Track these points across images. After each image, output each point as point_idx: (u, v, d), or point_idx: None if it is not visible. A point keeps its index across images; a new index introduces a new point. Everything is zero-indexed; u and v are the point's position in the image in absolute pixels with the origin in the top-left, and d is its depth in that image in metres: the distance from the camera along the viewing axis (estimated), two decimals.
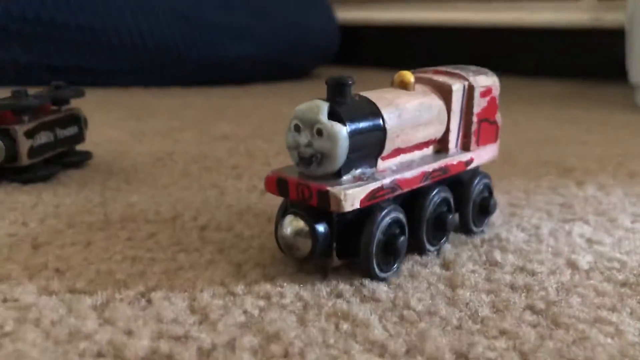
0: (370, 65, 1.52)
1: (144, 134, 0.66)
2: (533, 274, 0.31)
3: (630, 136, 0.70)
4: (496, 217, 0.39)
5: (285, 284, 0.29)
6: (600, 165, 0.54)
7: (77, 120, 0.51)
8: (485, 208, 0.36)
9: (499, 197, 0.43)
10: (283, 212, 0.30)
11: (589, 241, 0.35)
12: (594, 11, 1.25)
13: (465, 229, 0.36)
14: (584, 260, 0.32)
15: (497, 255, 0.33)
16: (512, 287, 0.29)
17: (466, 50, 1.46)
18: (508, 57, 1.41)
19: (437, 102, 0.32)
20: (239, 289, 0.28)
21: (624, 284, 0.30)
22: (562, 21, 1.28)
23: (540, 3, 1.30)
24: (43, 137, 0.46)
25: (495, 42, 1.40)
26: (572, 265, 0.32)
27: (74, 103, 0.52)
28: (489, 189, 0.37)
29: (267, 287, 0.28)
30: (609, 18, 1.21)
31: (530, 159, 0.57)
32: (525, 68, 1.38)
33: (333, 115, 0.28)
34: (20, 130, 0.44)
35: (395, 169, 0.30)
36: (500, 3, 1.35)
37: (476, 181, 0.36)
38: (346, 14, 1.50)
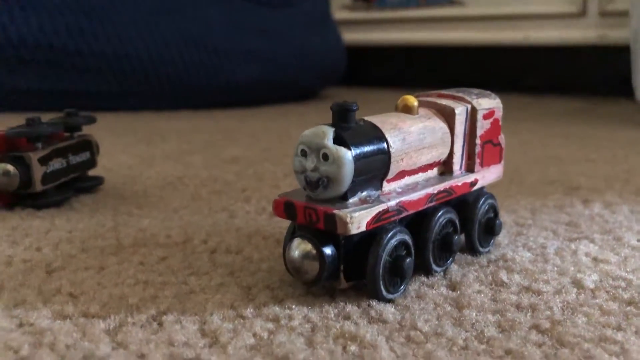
0: (377, 85, 1.54)
1: (155, 158, 0.67)
2: (539, 293, 0.31)
3: (637, 153, 0.70)
4: (502, 237, 0.40)
5: (293, 306, 0.29)
6: (607, 183, 0.55)
7: (89, 146, 0.52)
8: (490, 229, 0.36)
9: (506, 217, 0.44)
10: (291, 236, 0.31)
11: (595, 260, 0.36)
12: (599, 28, 1.25)
13: (471, 249, 0.36)
14: (590, 279, 0.33)
15: (503, 276, 0.33)
16: (518, 307, 0.29)
17: (472, 69, 1.47)
18: (514, 76, 1.41)
19: (440, 125, 0.33)
20: (249, 311, 0.29)
21: (629, 303, 0.30)
22: (568, 39, 1.29)
23: (546, 21, 1.31)
24: (56, 164, 0.47)
25: (501, 60, 1.41)
26: (578, 284, 0.32)
27: (86, 129, 0.54)
28: (494, 209, 0.37)
29: (276, 309, 0.29)
30: (614, 35, 1.22)
31: (537, 177, 0.58)
32: (531, 86, 1.38)
33: (338, 140, 0.28)
34: (34, 157, 0.45)
35: (401, 191, 0.31)
36: (505, 22, 1.36)
37: (481, 202, 0.36)
38: (353, 35, 1.52)
